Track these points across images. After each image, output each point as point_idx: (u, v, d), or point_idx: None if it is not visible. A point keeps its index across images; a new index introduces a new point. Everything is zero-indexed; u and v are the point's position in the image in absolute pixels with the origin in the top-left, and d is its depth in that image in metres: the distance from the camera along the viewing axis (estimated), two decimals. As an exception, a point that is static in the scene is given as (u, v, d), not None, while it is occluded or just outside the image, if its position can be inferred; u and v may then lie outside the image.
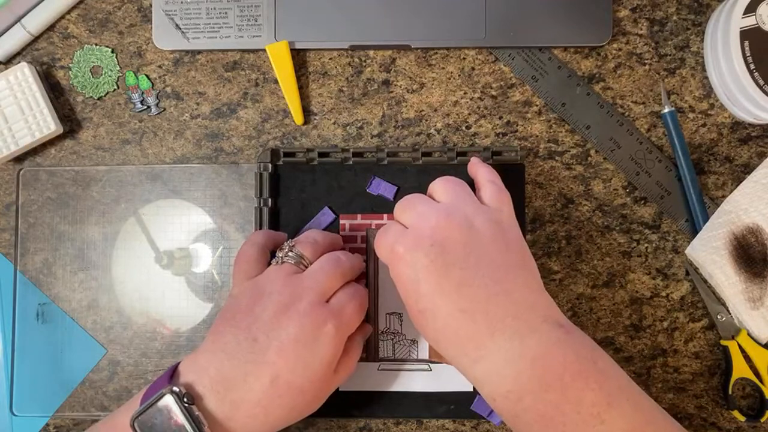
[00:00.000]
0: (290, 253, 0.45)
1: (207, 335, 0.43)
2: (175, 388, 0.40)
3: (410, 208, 0.43)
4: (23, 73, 0.54)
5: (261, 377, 0.40)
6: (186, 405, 0.39)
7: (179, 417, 0.39)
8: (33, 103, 0.54)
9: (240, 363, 0.41)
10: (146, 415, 0.40)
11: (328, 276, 0.44)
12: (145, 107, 0.56)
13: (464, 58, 0.55)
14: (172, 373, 0.42)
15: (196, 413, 0.39)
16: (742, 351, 0.52)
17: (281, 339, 0.41)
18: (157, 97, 0.56)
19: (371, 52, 0.56)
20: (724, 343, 0.53)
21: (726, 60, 0.52)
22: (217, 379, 0.41)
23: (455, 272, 0.40)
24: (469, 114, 0.55)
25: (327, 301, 0.43)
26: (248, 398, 0.40)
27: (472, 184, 0.54)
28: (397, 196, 0.54)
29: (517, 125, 0.55)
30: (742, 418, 0.52)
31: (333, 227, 0.54)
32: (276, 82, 0.55)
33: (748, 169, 0.54)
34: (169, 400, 0.39)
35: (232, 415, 0.40)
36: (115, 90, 0.56)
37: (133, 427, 0.40)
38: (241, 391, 0.40)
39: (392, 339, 0.53)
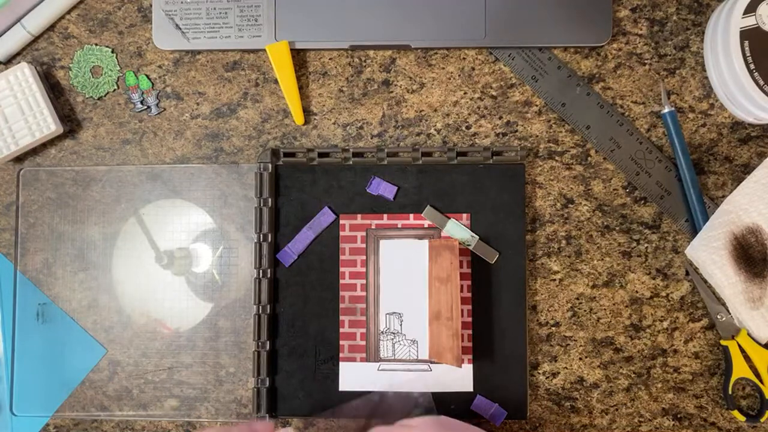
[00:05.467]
0: None
1: None
2: None
3: None
4: (23, 73, 0.54)
5: None
6: None
7: None
8: (33, 103, 0.54)
9: None
10: None
11: None
12: (145, 107, 0.56)
13: (464, 58, 0.55)
14: None
15: None
16: (742, 351, 0.52)
17: None
18: (157, 97, 0.56)
19: (371, 52, 0.56)
20: (724, 343, 0.53)
21: (726, 60, 0.52)
22: None
23: None
24: (469, 114, 0.55)
25: None
26: None
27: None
28: (397, 196, 0.54)
29: (517, 125, 0.55)
30: (742, 418, 0.52)
31: (333, 227, 0.54)
32: (276, 82, 0.56)
33: (748, 169, 0.54)
34: None
35: None
36: (115, 90, 0.56)
37: None
38: None
39: (392, 339, 0.53)
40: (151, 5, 0.56)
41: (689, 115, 0.55)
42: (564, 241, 0.54)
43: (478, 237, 0.53)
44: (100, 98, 0.56)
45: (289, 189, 0.54)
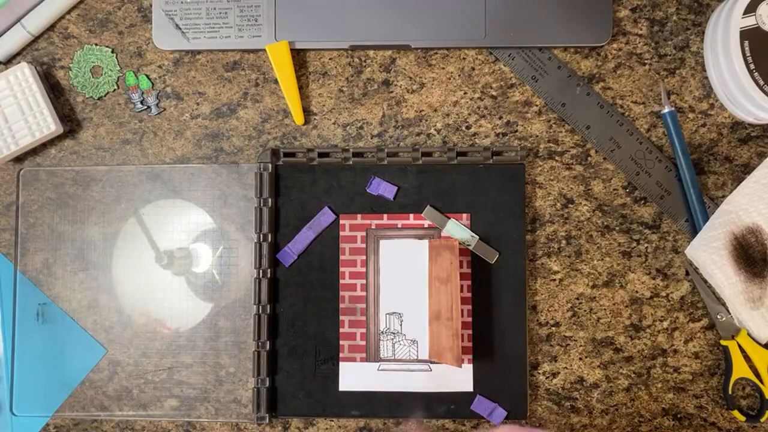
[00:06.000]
0: None
1: None
2: None
3: None
4: (23, 73, 0.54)
5: None
6: None
7: None
8: (33, 103, 0.54)
9: None
10: None
11: None
12: (145, 107, 0.56)
13: (464, 58, 0.55)
14: None
15: None
16: (742, 351, 0.52)
17: None
18: (157, 97, 0.56)
19: (371, 52, 0.56)
20: (724, 343, 0.53)
21: (726, 60, 0.52)
22: None
23: None
24: (469, 114, 0.55)
25: None
26: None
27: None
28: (397, 196, 0.54)
29: (517, 125, 0.55)
30: (742, 418, 0.52)
31: (333, 227, 0.54)
32: (276, 82, 0.56)
33: (748, 169, 0.54)
34: None
35: None
36: (115, 90, 0.56)
37: None
38: None
39: (392, 339, 0.53)
40: (151, 5, 0.56)
41: (689, 115, 0.55)
42: (564, 241, 0.54)
43: (478, 237, 0.53)
44: (100, 98, 0.56)
45: (289, 189, 0.54)
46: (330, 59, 0.56)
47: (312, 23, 0.55)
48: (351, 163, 0.54)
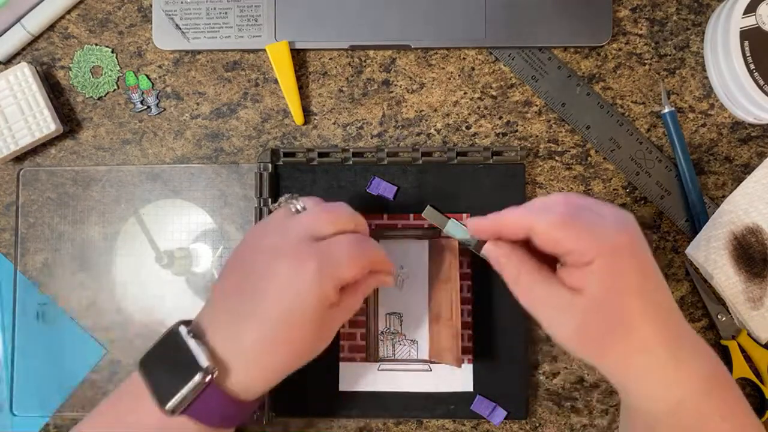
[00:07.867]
0: (292, 201, 0.45)
1: (212, 291, 0.44)
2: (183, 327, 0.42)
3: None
4: (23, 73, 0.54)
5: (253, 330, 0.41)
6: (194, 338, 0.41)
7: (187, 344, 0.41)
8: (33, 103, 0.54)
9: (236, 318, 0.41)
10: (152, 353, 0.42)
11: (318, 219, 0.43)
12: (145, 107, 0.56)
13: (464, 58, 0.55)
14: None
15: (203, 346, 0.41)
16: (742, 351, 0.52)
17: (269, 285, 0.41)
18: (157, 97, 0.56)
19: (371, 52, 0.56)
20: (724, 343, 0.53)
21: (726, 60, 0.52)
22: (217, 338, 0.41)
23: None
24: (469, 114, 0.55)
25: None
26: (245, 351, 0.41)
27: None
28: (397, 196, 0.54)
29: (517, 125, 0.55)
30: (742, 418, 0.52)
31: (333, 227, 0.54)
32: (276, 82, 0.56)
33: (748, 169, 0.54)
34: (182, 331, 0.41)
35: (232, 367, 0.41)
36: (115, 90, 0.56)
37: (141, 364, 0.42)
38: (238, 344, 0.41)
39: (392, 339, 0.53)
40: (151, 5, 0.56)
41: (689, 115, 0.55)
42: (564, 241, 0.54)
43: (478, 237, 0.53)
44: (100, 98, 0.56)
45: (289, 189, 0.54)
46: (330, 59, 0.56)
47: (312, 23, 0.55)
48: (351, 163, 0.54)
